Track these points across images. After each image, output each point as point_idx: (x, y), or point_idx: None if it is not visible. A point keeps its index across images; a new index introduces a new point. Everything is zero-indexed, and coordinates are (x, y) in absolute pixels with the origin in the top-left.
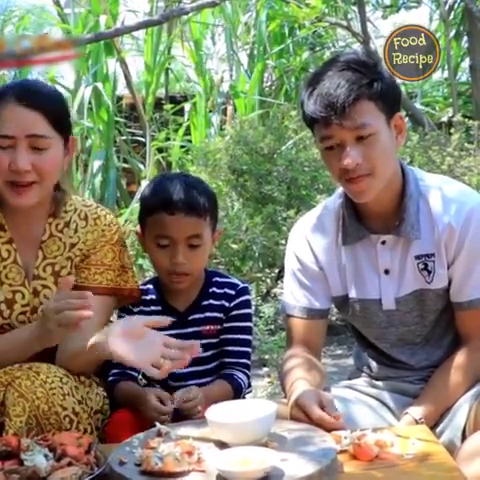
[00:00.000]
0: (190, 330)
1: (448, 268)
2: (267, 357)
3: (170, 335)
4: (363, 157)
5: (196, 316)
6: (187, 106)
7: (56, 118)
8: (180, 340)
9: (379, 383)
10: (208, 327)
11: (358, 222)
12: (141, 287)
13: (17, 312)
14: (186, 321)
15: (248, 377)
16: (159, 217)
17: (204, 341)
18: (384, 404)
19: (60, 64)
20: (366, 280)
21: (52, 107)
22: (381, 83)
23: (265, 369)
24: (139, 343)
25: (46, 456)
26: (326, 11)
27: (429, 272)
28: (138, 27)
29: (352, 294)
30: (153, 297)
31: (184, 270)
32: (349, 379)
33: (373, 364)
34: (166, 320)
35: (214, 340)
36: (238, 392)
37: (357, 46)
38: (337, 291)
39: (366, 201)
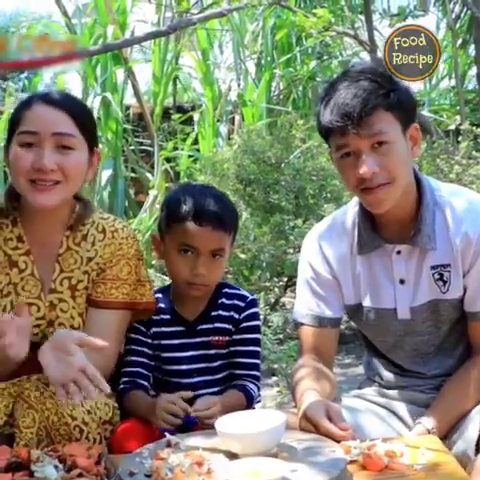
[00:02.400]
0: (198, 340)
1: (464, 277)
2: (276, 366)
3: (179, 344)
4: (379, 166)
5: (205, 326)
6: (195, 116)
7: (82, 121)
8: (97, 374)
9: (389, 392)
10: (217, 338)
11: (373, 232)
12: None
13: (31, 324)
14: (195, 331)
15: (258, 388)
16: (187, 226)
17: (212, 351)
18: (394, 413)
19: (64, 65)
20: (381, 289)
21: (78, 110)
22: (398, 93)
23: (274, 378)
24: (62, 359)
25: (56, 467)
26: (333, 20)
27: (444, 282)
28: (146, 38)
29: (366, 303)
30: (162, 306)
31: (203, 281)
32: (359, 388)
33: (384, 373)
34: (102, 344)
35: (223, 351)
36: (250, 403)
37: (364, 55)
38: (350, 299)
39: (383, 211)
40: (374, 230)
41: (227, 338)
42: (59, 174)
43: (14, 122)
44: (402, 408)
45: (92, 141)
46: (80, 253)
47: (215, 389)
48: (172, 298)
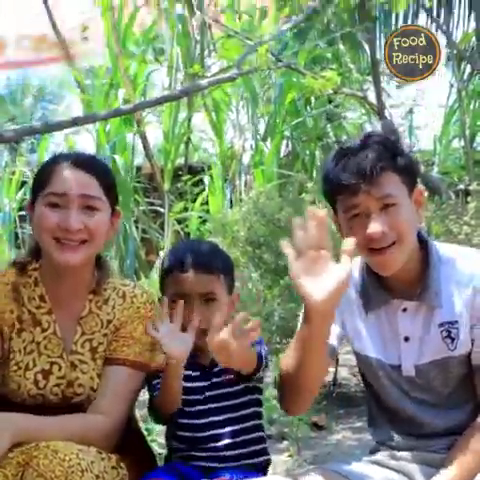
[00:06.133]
0: (214, 381)
1: (471, 329)
2: (286, 430)
3: (198, 387)
4: (388, 226)
5: (218, 368)
6: (206, 177)
7: (107, 183)
8: None
9: (402, 454)
10: (227, 376)
11: (380, 288)
12: None
13: (52, 383)
14: (211, 373)
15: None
16: (174, 276)
17: (230, 389)
18: (408, 476)
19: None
20: (387, 345)
21: (104, 173)
22: (403, 158)
23: (285, 443)
24: None
25: None
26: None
27: (452, 339)
28: (157, 102)
29: (373, 354)
30: None
31: (201, 326)
32: (370, 453)
33: (394, 435)
34: None
35: (238, 387)
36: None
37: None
38: (359, 350)
39: (390, 274)
40: (381, 286)
41: (232, 375)
42: (85, 233)
43: (40, 182)
44: (415, 470)
45: (114, 202)
46: (101, 316)
47: (240, 426)
48: None
